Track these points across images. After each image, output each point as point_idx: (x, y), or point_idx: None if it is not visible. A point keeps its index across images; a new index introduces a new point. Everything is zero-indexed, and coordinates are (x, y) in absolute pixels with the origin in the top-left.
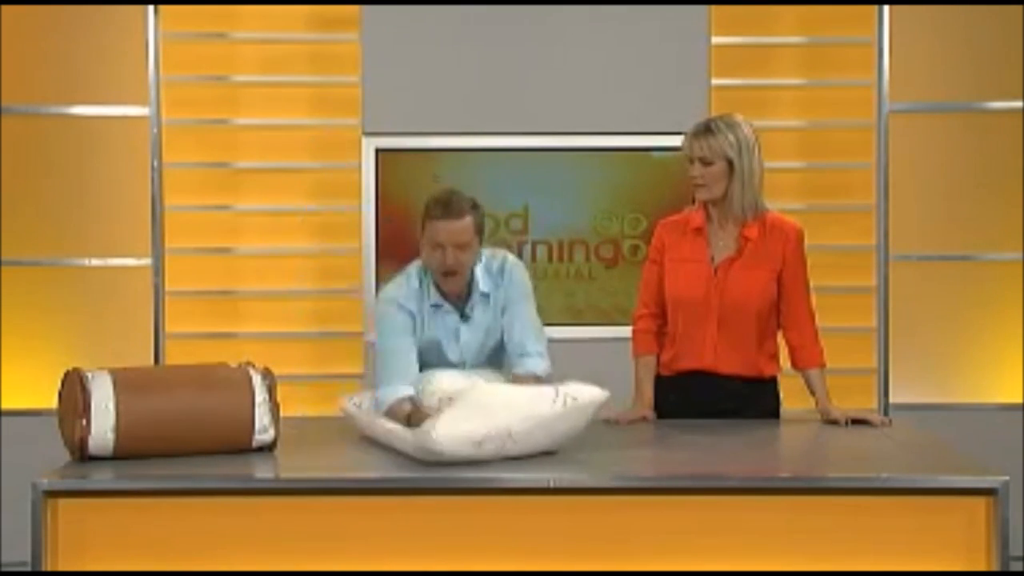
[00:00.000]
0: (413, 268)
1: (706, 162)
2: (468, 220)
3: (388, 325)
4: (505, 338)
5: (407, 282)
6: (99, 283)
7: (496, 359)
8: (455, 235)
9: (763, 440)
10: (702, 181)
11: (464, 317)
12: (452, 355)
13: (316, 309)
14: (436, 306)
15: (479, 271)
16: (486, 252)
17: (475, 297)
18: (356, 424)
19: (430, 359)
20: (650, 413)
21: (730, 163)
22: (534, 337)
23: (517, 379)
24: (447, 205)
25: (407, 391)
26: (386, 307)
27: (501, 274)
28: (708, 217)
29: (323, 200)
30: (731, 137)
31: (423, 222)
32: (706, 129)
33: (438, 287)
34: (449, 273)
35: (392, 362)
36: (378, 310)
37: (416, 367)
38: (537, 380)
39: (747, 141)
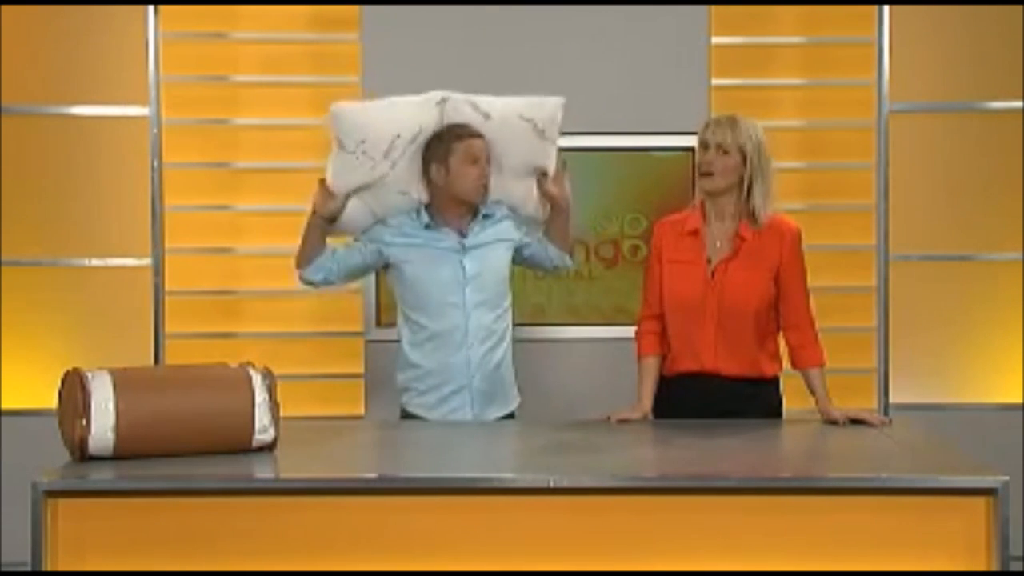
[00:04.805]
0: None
1: (724, 150)
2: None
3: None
4: (540, 251)
5: (407, 214)
6: (99, 283)
7: (496, 302)
8: (485, 149)
9: (763, 440)
10: (714, 169)
11: (463, 235)
12: (454, 271)
13: (316, 309)
14: (428, 226)
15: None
16: None
17: (476, 220)
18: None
19: (431, 285)
20: (642, 415)
21: (745, 158)
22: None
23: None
24: (468, 125)
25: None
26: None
27: (501, 208)
28: (705, 217)
29: None
30: (753, 135)
31: (448, 146)
32: (731, 119)
33: (431, 216)
34: (486, 187)
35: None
36: None
37: (328, 251)
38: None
39: (763, 144)
